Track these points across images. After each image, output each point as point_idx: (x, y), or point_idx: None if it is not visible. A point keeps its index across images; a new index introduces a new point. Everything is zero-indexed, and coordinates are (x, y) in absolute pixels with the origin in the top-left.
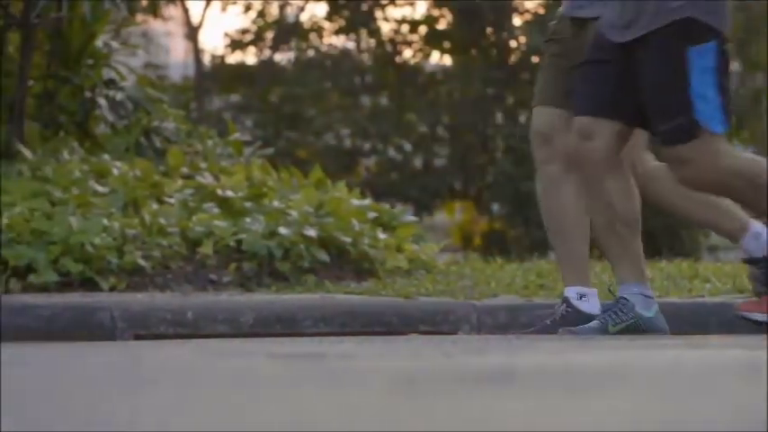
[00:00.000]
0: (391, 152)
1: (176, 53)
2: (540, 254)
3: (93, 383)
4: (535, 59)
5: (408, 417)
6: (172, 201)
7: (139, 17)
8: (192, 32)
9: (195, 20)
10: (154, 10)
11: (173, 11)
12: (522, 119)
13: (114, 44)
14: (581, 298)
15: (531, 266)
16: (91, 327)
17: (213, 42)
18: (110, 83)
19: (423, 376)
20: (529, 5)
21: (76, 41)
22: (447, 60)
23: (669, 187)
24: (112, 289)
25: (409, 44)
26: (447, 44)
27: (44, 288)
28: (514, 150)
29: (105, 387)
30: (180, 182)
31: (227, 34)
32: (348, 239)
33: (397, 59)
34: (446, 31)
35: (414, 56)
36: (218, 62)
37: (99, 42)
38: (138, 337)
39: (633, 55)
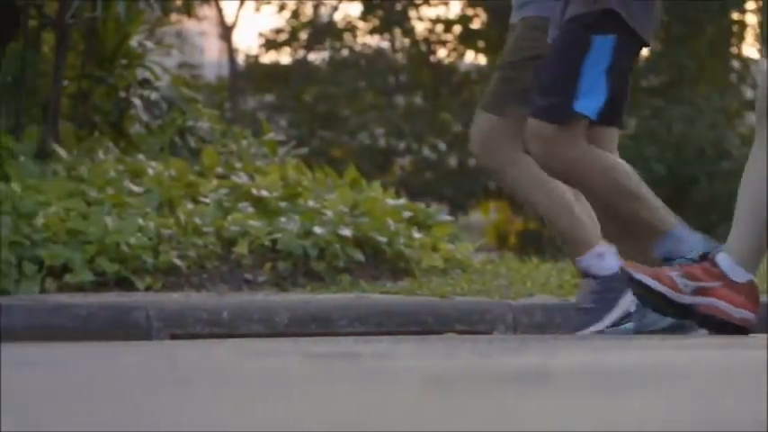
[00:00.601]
0: (426, 151)
1: (210, 53)
2: None
3: (128, 383)
4: None
5: (444, 416)
6: (207, 200)
7: (174, 17)
8: (226, 32)
9: (229, 19)
10: (188, 10)
11: (207, 11)
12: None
13: (149, 44)
14: None
15: (565, 266)
16: (127, 326)
17: (247, 42)
18: (144, 83)
19: (458, 376)
20: None
21: (111, 41)
22: (481, 60)
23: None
24: (148, 288)
25: (444, 43)
26: (481, 43)
27: (80, 288)
28: None
29: (141, 387)
30: (215, 181)
31: (261, 34)
32: (383, 239)
33: (432, 59)
34: (480, 31)
35: (448, 55)
36: (253, 62)
37: (133, 42)
38: (173, 337)
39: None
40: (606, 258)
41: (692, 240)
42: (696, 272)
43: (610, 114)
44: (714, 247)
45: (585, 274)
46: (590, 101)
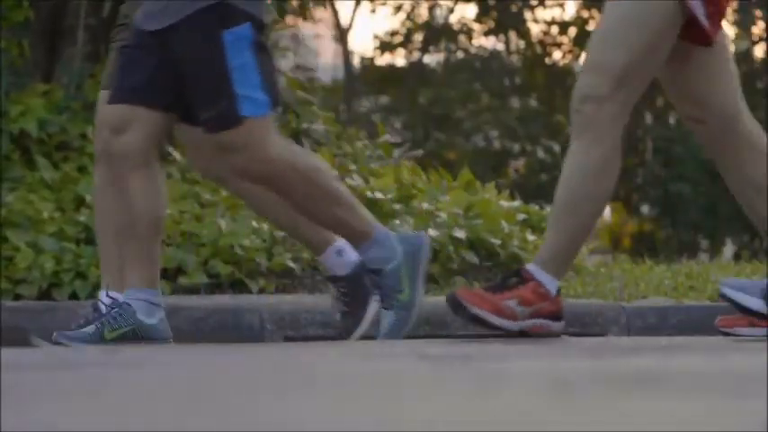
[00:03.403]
0: (540, 153)
1: (326, 55)
2: (690, 255)
3: (243, 385)
4: None
5: (557, 418)
6: None
7: (289, 20)
8: (341, 34)
9: (344, 22)
10: (303, 12)
11: (322, 13)
12: (672, 120)
13: None
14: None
15: (680, 268)
16: (240, 329)
17: (362, 44)
18: None
19: (572, 378)
20: None
21: None
22: None
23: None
24: (261, 291)
25: (558, 45)
26: None
27: (194, 290)
28: (664, 152)
29: (256, 388)
30: None
31: (376, 36)
32: (497, 241)
33: (547, 61)
34: None
35: (563, 57)
36: (368, 64)
37: None
38: (287, 340)
39: (169, 43)
40: (345, 254)
41: (393, 243)
42: (528, 296)
43: (275, 103)
44: (418, 237)
45: (330, 278)
46: (251, 99)
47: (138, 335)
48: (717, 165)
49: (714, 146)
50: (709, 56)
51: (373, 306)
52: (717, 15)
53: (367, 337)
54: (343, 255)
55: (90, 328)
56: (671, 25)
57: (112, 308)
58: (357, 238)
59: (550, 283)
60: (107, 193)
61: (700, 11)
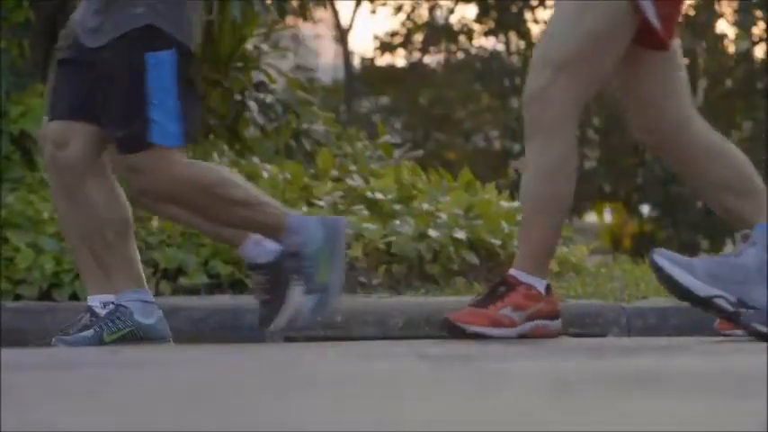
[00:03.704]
0: None
1: (326, 56)
2: (690, 255)
3: (243, 385)
4: (685, 61)
5: (557, 418)
6: (321, 203)
7: (289, 20)
8: (341, 35)
9: (345, 22)
10: (304, 13)
11: (322, 13)
12: None
13: (264, 47)
14: (105, 306)
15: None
16: (240, 329)
17: (363, 45)
18: (259, 86)
19: (572, 378)
20: None
21: (226, 45)
22: None
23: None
24: None
25: None
26: None
27: (194, 290)
28: None
29: (256, 388)
30: (329, 184)
31: (376, 37)
32: (497, 242)
33: None
34: None
35: None
36: (368, 64)
37: (249, 45)
38: (288, 340)
39: (100, 60)
40: (264, 244)
41: (310, 228)
42: (520, 300)
43: (188, 130)
44: (337, 220)
45: (251, 267)
46: (164, 125)
47: (137, 336)
48: (681, 175)
49: (670, 156)
50: (662, 61)
51: (295, 292)
52: (669, 18)
53: (304, 326)
54: (263, 243)
55: (89, 332)
56: (620, 22)
57: (110, 311)
58: (271, 232)
59: (539, 284)
60: (62, 203)
61: (650, 11)
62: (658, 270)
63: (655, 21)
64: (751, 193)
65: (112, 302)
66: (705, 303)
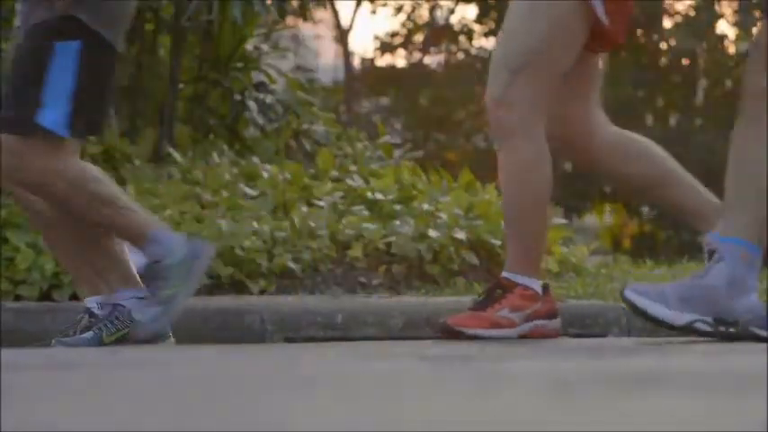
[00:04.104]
0: None
1: (326, 56)
2: (690, 256)
3: (243, 386)
4: (686, 62)
5: (558, 418)
6: (321, 204)
7: (289, 20)
8: (341, 35)
9: (345, 23)
10: (304, 13)
11: (322, 14)
12: (673, 121)
13: (264, 47)
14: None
15: (680, 269)
16: (241, 330)
17: (363, 45)
18: (260, 86)
19: (572, 378)
20: (679, 7)
21: (227, 45)
22: None
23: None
24: (262, 292)
25: None
26: None
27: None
28: None
29: (256, 389)
30: (329, 185)
31: (376, 37)
32: (497, 242)
33: None
34: None
35: None
36: (368, 65)
37: (249, 46)
38: (287, 340)
39: (19, 47)
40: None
41: (173, 244)
42: (517, 302)
43: (82, 126)
44: (203, 246)
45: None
46: (54, 113)
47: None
48: (610, 182)
49: (590, 163)
50: (593, 59)
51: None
52: (618, 14)
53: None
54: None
55: (88, 334)
56: (573, 20)
57: (108, 311)
58: (134, 238)
59: (534, 284)
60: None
61: (600, 9)
62: (631, 305)
63: (604, 18)
64: (680, 183)
65: (110, 303)
66: (684, 330)
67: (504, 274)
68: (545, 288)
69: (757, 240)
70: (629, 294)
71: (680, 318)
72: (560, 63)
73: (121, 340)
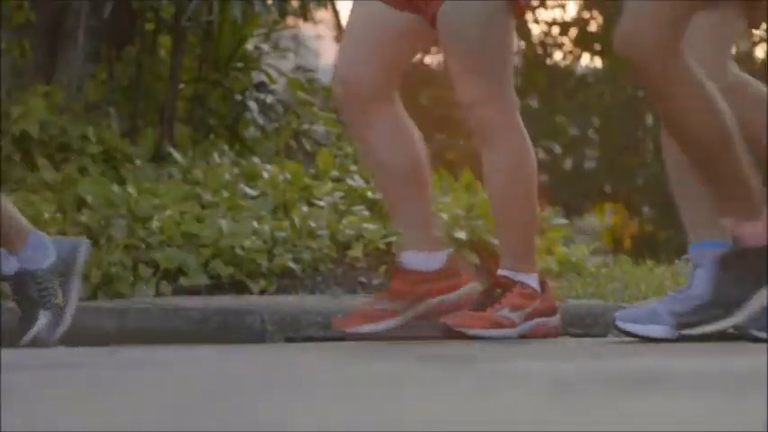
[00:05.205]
0: (541, 154)
1: (326, 56)
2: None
3: (243, 386)
4: None
5: (557, 418)
6: (322, 203)
7: (290, 20)
8: (342, 35)
9: (345, 23)
10: (304, 13)
11: (323, 14)
12: None
13: (265, 47)
14: None
15: (681, 269)
16: (241, 330)
17: None
18: (260, 86)
19: (572, 378)
20: None
21: (227, 45)
22: (597, 62)
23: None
24: (262, 292)
25: (560, 46)
26: (597, 46)
27: (194, 291)
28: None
29: (256, 388)
30: (330, 185)
31: None
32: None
33: (548, 61)
34: (596, 33)
35: (564, 58)
36: None
37: (249, 46)
38: (288, 340)
39: None
40: (9, 257)
41: (48, 247)
42: (516, 300)
43: None
44: (76, 242)
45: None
46: None
47: None
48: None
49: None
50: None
51: (43, 313)
52: None
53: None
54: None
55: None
56: (504, 18)
57: None
58: (10, 243)
59: (531, 280)
60: None
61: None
62: (627, 334)
63: None
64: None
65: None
66: (684, 339)
67: (502, 272)
68: (543, 284)
69: (720, 235)
70: (622, 324)
71: (673, 333)
72: (510, 56)
73: None
